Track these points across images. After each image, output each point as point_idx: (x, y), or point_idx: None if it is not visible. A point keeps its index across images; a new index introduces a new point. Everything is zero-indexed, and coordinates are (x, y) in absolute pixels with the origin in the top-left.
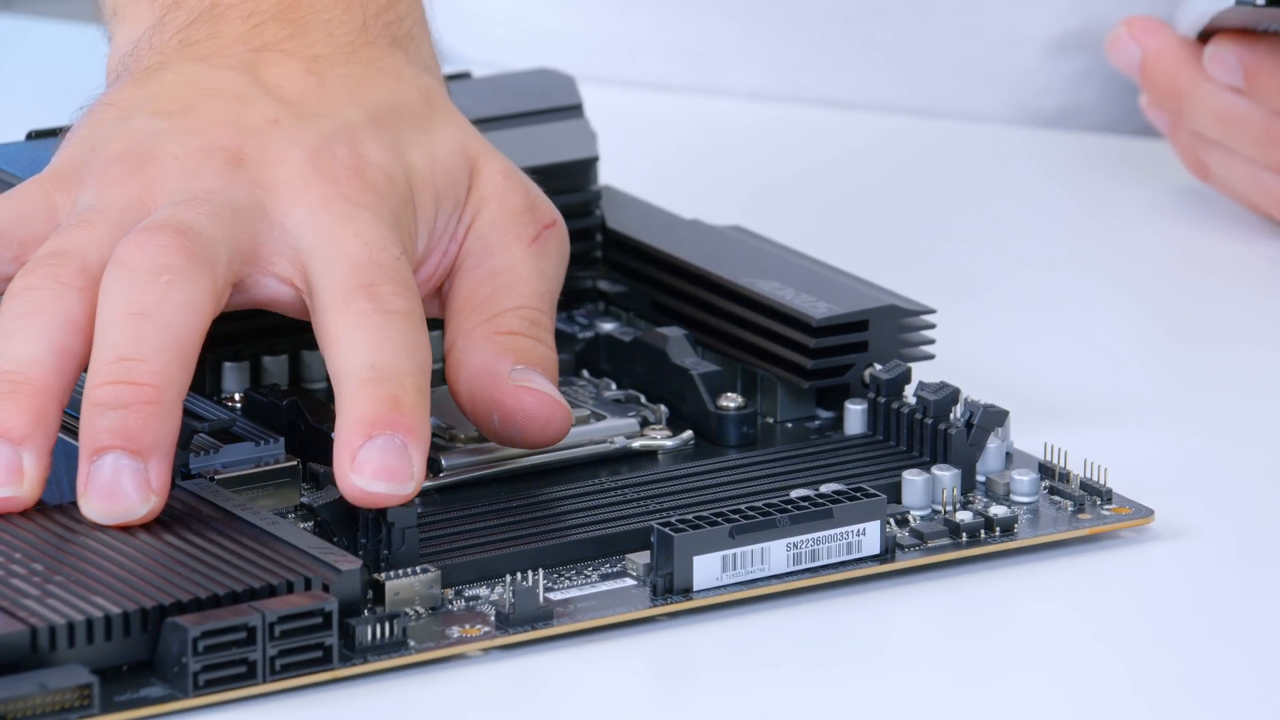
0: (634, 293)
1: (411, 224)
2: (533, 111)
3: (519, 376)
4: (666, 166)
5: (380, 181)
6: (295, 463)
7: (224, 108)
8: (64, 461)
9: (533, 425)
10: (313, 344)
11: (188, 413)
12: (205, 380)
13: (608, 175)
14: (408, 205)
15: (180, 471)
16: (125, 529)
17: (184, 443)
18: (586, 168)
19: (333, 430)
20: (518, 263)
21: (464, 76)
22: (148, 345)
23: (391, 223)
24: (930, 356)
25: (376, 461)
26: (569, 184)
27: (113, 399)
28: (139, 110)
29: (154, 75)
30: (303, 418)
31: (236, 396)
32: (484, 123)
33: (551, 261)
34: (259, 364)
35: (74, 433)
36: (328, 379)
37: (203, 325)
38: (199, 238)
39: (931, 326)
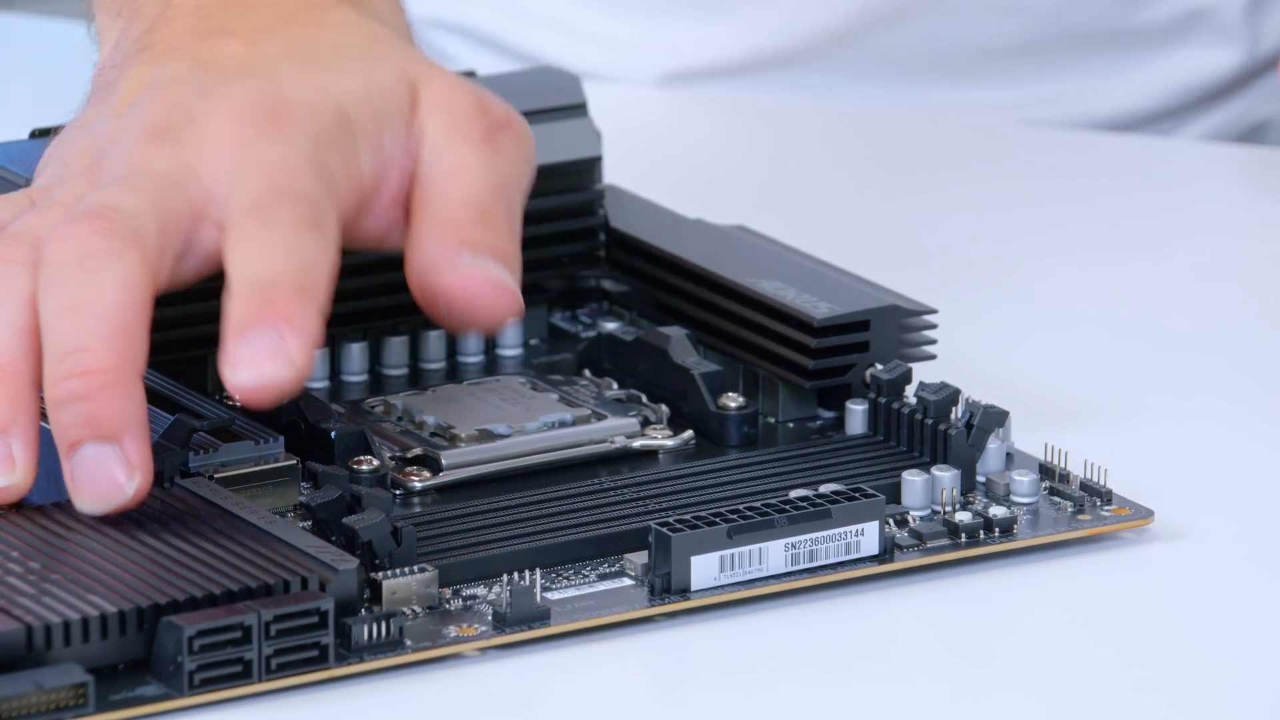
0: (637, 292)
1: (347, 147)
2: (536, 110)
3: (467, 265)
4: (670, 166)
5: (301, 115)
6: (294, 462)
7: (164, 94)
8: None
9: (476, 309)
10: None
11: (187, 411)
12: (206, 379)
13: (611, 174)
14: (338, 131)
15: (179, 470)
16: (122, 526)
17: (183, 441)
18: (590, 167)
19: (333, 430)
20: (467, 161)
21: (468, 75)
22: (88, 334)
23: (308, 150)
24: (931, 357)
25: (248, 353)
26: (572, 183)
27: (70, 394)
28: (97, 120)
29: (113, 86)
30: (303, 417)
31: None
32: None
33: (506, 158)
34: None
35: None
36: (329, 378)
37: (141, 299)
38: (118, 215)
39: (933, 327)
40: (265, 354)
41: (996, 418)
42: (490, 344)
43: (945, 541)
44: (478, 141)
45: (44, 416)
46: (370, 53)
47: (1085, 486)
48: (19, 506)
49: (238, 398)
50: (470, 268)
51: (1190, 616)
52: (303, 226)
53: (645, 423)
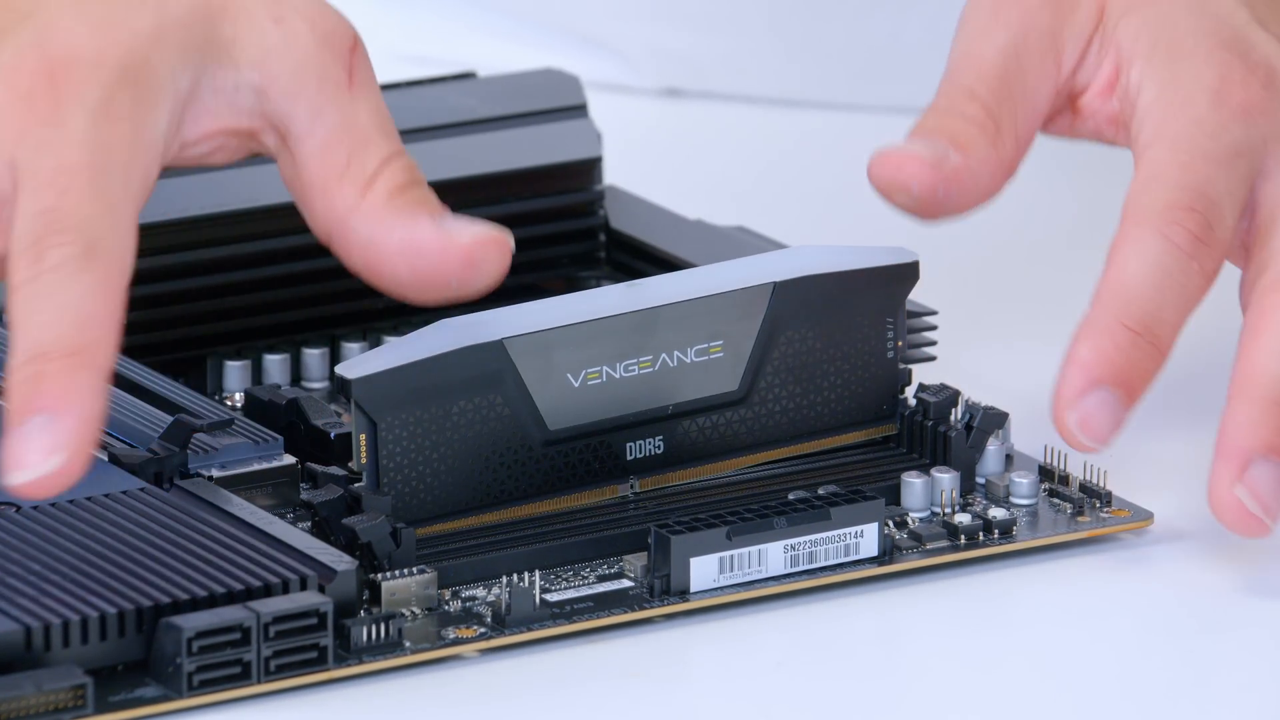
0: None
1: (135, 108)
2: (537, 111)
3: (449, 231)
4: (670, 167)
5: (79, 78)
6: (294, 462)
7: None
8: None
9: (494, 271)
10: (314, 343)
11: (187, 412)
12: (206, 379)
13: (611, 176)
14: (123, 89)
15: (179, 470)
16: (121, 526)
17: (183, 442)
18: (590, 168)
19: (333, 430)
20: (355, 113)
21: (469, 76)
22: None
23: (87, 132)
24: (931, 358)
25: (19, 450)
26: (573, 184)
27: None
28: None
29: None
30: (302, 417)
31: (237, 396)
32: (487, 122)
33: (375, 89)
34: (260, 363)
35: None
36: (329, 378)
37: None
38: None
39: (933, 328)
40: (36, 449)
41: (996, 419)
42: None
43: (945, 543)
44: (349, 85)
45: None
46: None
47: (1085, 488)
48: (17, 507)
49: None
50: (457, 233)
51: (1190, 619)
52: (74, 267)
53: None
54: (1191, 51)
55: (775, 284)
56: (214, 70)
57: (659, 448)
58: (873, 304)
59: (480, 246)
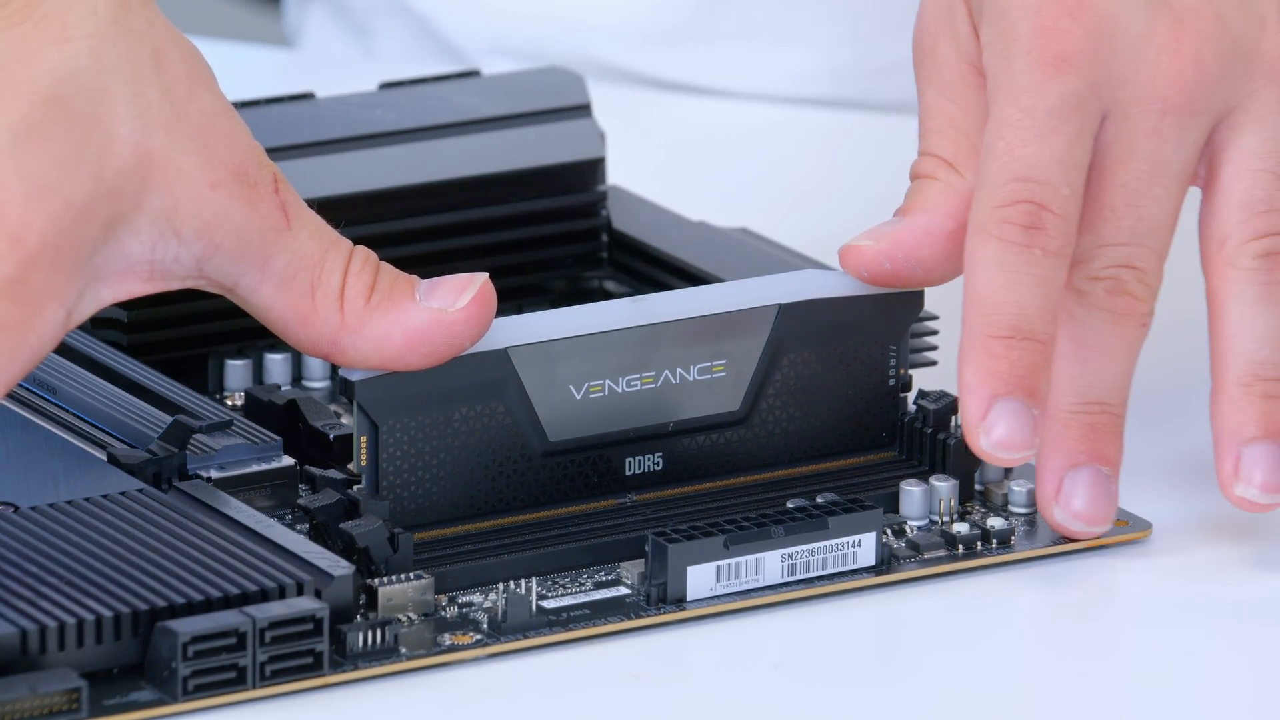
0: (639, 294)
1: (53, 285)
2: (540, 111)
3: (438, 305)
4: (673, 167)
5: None
6: (293, 464)
7: None
8: (61, 460)
9: (492, 310)
10: None
11: (186, 412)
12: (207, 379)
13: (615, 175)
14: (35, 269)
15: (177, 471)
16: (118, 529)
17: (181, 443)
18: (593, 168)
19: (332, 430)
20: (300, 245)
21: (472, 75)
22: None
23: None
24: (933, 363)
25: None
26: (576, 184)
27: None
28: None
29: None
30: (301, 418)
31: (238, 397)
32: (490, 122)
33: (304, 207)
34: (261, 362)
35: (68, 427)
36: (330, 378)
37: None
38: None
39: (934, 334)
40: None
41: None
42: None
43: (942, 553)
44: (279, 234)
45: (60, 423)
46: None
47: None
48: (15, 507)
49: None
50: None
51: (1187, 629)
52: None
53: None
54: (1010, 1)
55: (781, 306)
56: (150, 243)
57: (658, 464)
58: (876, 331)
59: (476, 304)
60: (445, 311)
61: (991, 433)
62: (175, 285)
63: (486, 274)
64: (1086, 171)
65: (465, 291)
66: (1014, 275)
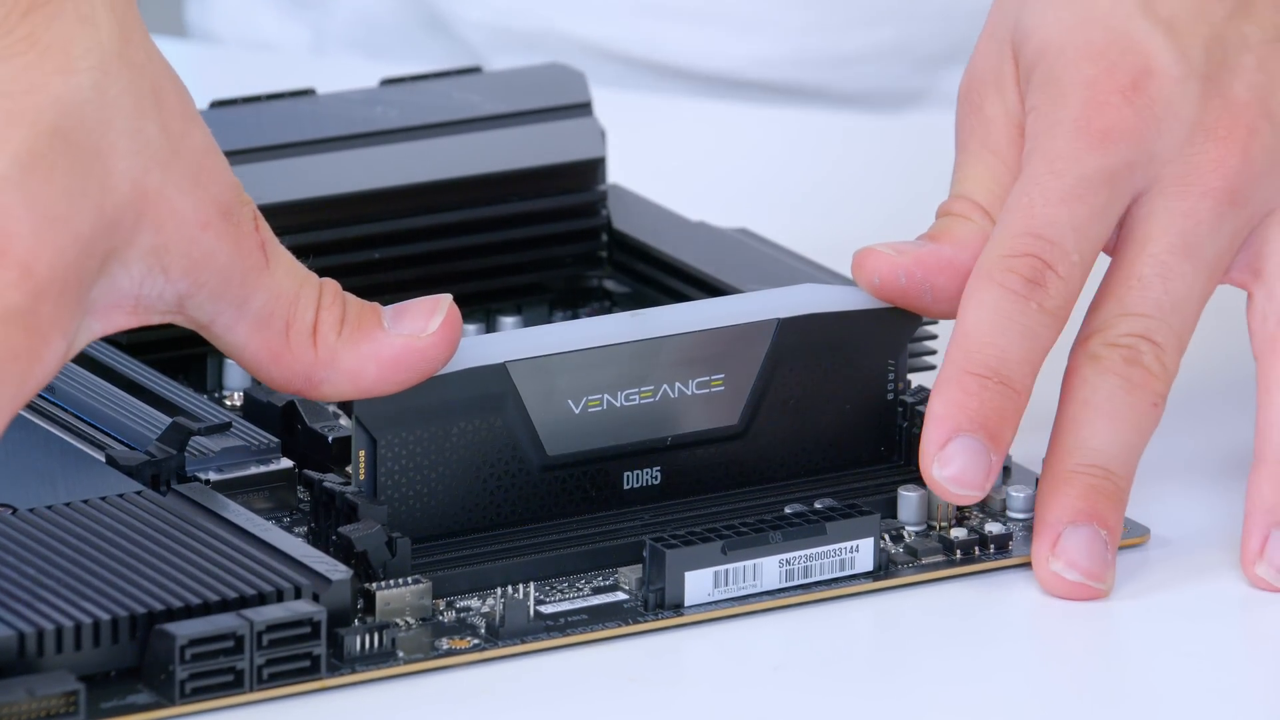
0: (638, 294)
1: (59, 317)
2: (541, 109)
3: (408, 330)
4: (674, 167)
5: (7, 279)
6: (291, 466)
7: None
8: (59, 461)
9: (459, 327)
10: None
11: (185, 414)
12: (206, 377)
13: (615, 175)
14: (44, 300)
15: (176, 473)
16: (116, 531)
17: (180, 445)
18: (594, 167)
19: (330, 433)
20: (277, 284)
21: (474, 71)
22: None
23: None
24: (932, 367)
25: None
26: (576, 183)
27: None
28: None
29: None
30: (300, 420)
31: (237, 396)
32: (492, 120)
33: (278, 246)
34: None
35: (67, 427)
36: None
37: None
38: None
39: (933, 337)
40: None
41: None
42: None
43: (940, 558)
44: (259, 273)
45: (58, 423)
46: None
47: None
48: (13, 509)
49: None
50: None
51: (1184, 633)
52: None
53: None
54: (1063, 72)
55: (779, 320)
56: (139, 279)
57: (656, 478)
58: (875, 345)
59: (445, 326)
60: (417, 337)
61: (947, 465)
62: (155, 320)
63: (450, 295)
64: (1100, 248)
65: (434, 315)
66: (1006, 321)
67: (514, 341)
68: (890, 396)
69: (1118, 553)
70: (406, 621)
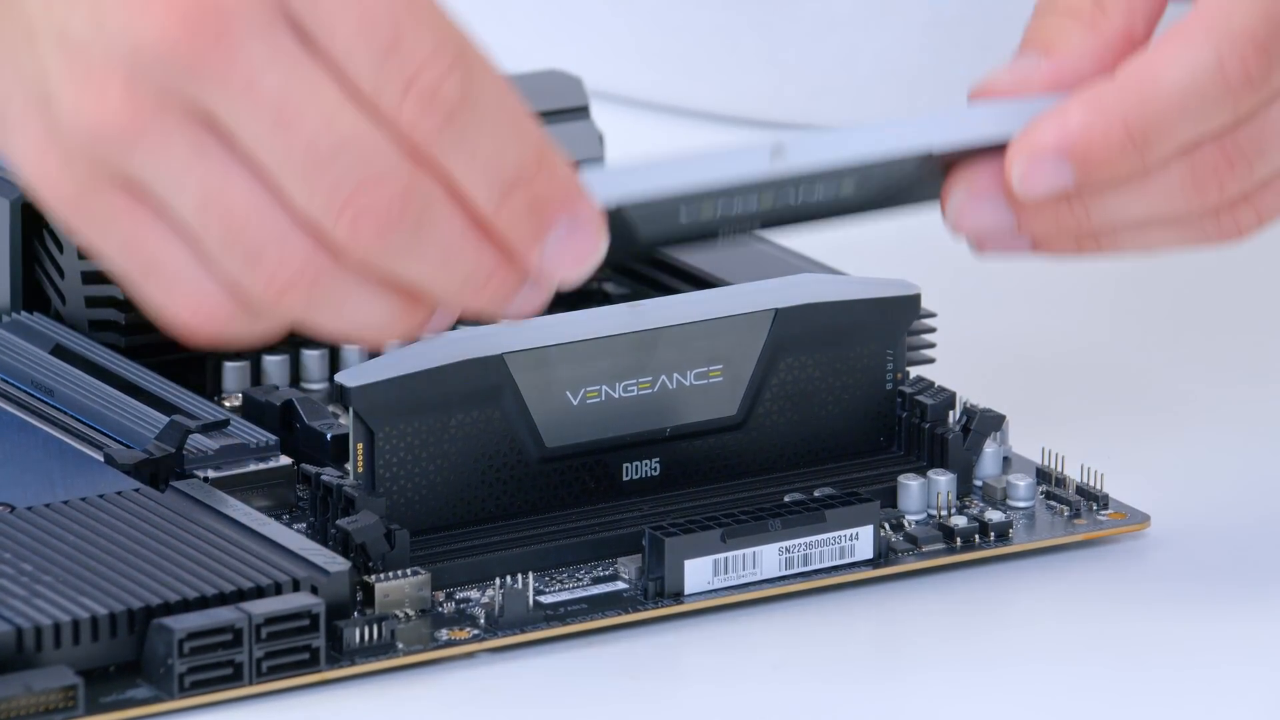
0: (638, 295)
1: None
2: (539, 113)
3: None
4: None
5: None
6: (290, 463)
7: None
8: (58, 461)
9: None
10: (313, 344)
11: (184, 412)
12: (205, 379)
13: None
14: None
15: (174, 471)
16: (114, 527)
17: (178, 443)
18: None
19: (329, 430)
20: None
21: None
22: None
23: None
24: (930, 360)
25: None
26: None
27: None
28: None
29: None
30: (298, 418)
31: (235, 397)
32: None
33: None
34: (259, 363)
35: (66, 429)
36: (328, 379)
37: None
38: None
39: (931, 330)
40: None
41: (993, 421)
42: None
43: (940, 546)
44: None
45: (57, 425)
46: None
47: (1082, 491)
48: (11, 507)
49: None
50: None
51: (1185, 622)
52: None
53: None
54: None
55: (777, 310)
56: None
57: (655, 470)
58: (873, 335)
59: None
60: None
61: (1031, 168)
62: None
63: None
64: None
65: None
66: (1199, 101)
67: (511, 333)
68: (889, 386)
69: (1115, 538)
70: (406, 613)
